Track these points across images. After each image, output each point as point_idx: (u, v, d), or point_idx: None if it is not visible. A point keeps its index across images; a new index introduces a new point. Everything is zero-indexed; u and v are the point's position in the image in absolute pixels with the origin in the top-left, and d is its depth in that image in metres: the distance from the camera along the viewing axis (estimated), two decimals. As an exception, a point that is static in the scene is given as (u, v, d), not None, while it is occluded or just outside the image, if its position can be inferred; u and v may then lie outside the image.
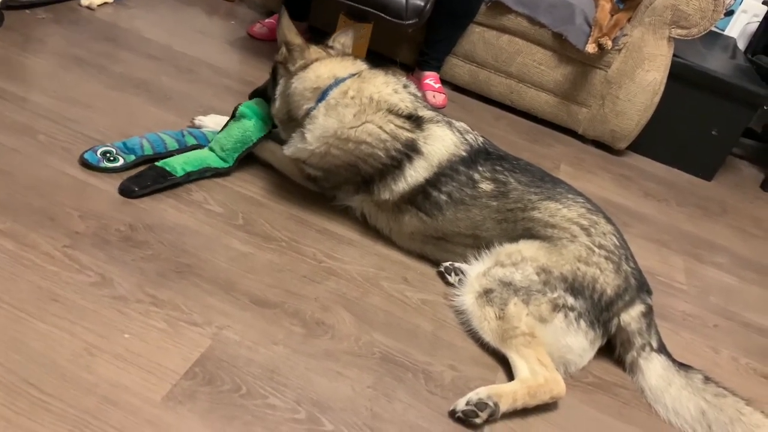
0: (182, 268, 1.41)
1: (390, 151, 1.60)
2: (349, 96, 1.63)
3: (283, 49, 1.75)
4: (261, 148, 1.79)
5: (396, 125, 1.60)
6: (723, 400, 1.39)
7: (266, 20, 2.75)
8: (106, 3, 2.54)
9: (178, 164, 1.65)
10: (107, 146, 1.65)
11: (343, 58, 1.76)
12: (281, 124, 1.77)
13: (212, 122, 1.90)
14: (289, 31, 1.73)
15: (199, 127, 1.90)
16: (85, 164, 1.61)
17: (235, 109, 1.77)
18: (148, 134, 1.73)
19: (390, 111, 1.61)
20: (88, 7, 2.45)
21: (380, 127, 1.60)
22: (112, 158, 1.64)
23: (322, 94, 1.65)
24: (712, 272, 2.15)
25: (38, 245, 1.34)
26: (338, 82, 1.66)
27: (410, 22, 2.20)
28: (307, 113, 1.66)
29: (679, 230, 2.35)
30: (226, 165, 1.73)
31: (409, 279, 1.61)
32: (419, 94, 1.72)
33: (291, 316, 1.37)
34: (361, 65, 1.74)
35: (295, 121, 1.70)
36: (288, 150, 1.70)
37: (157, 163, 1.64)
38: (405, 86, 1.70)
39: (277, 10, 2.69)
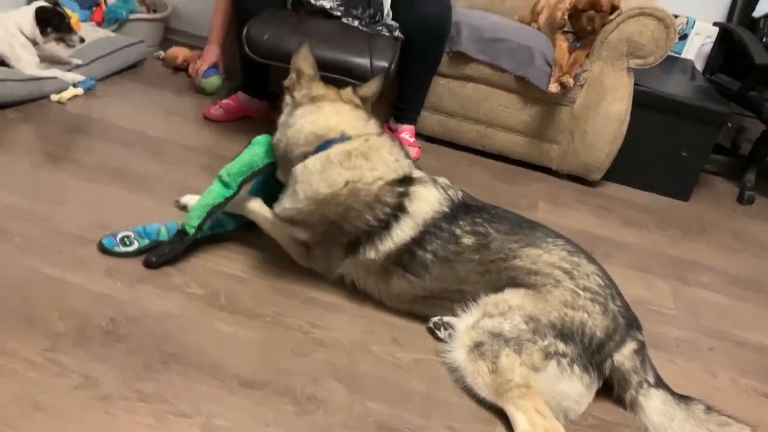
0: (167, 357, 1.39)
1: (379, 214, 1.60)
2: (352, 159, 1.60)
3: (293, 75, 1.72)
4: (254, 212, 1.75)
5: (390, 193, 1.60)
6: (727, 429, 1.38)
7: (223, 101, 2.73)
8: (76, 95, 2.57)
9: (187, 223, 1.69)
10: (127, 231, 1.70)
11: (356, 112, 1.70)
12: (278, 157, 1.73)
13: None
14: (305, 60, 1.70)
15: (185, 207, 1.91)
16: (102, 249, 1.67)
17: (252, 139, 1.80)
18: (168, 223, 1.76)
19: (387, 182, 1.61)
20: (59, 102, 2.48)
21: (375, 196, 1.59)
22: (128, 242, 1.68)
23: (324, 144, 1.63)
24: (699, 293, 2.15)
25: (18, 352, 1.32)
26: (344, 138, 1.63)
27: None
28: (304, 157, 1.64)
29: (663, 254, 2.37)
30: (230, 192, 1.70)
31: (398, 339, 1.60)
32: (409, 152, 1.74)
33: (281, 394, 1.35)
34: (372, 128, 1.69)
35: (289, 161, 1.68)
36: (278, 208, 1.69)
37: (179, 228, 1.71)
38: (406, 154, 1.71)
39: (240, 88, 2.77)
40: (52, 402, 1.22)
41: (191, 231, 1.68)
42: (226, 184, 1.71)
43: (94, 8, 3.25)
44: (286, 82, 1.73)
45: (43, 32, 2.48)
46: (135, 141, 2.33)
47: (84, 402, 1.24)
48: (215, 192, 1.70)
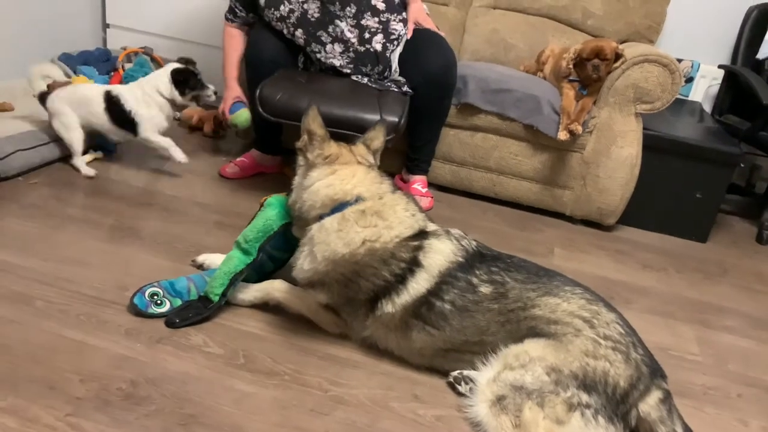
0: (187, 419, 1.38)
1: (395, 269, 1.61)
2: (367, 217, 1.63)
3: (305, 137, 1.72)
4: (279, 291, 1.77)
5: (405, 248, 1.62)
6: (762, 481, 1.33)
7: (238, 159, 2.79)
8: (96, 159, 2.65)
9: (211, 290, 1.73)
10: (154, 287, 1.73)
11: (371, 174, 1.72)
12: (293, 216, 1.76)
13: (216, 257, 1.95)
14: (314, 122, 1.70)
15: (201, 266, 1.94)
16: (135, 310, 1.69)
17: (263, 201, 1.83)
18: (193, 276, 1.82)
19: (403, 238, 1.63)
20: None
21: (391, 253, 1.61)
22: (159, 302, 1.72)
23: (340, 206, 1.66)
24: (724, 338, 2.11)
25: (40, 418, 1.32)
26: (359, 200, 1.66)
27: (388, 138, 2.28)
28: (319, 218, 1.67)
29: (683, 298, 2.33)
30: (250, 259, 1.74)
31: (419, 395, 1.58)
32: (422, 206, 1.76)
33: (303, 455, 1.33)
34: (386, 187, 1.71)
35: (304, 221, 1.71)
36: (296, 270, 1.70)
37: (201, 293, 1.76)
38: (420, 208, 1.73)
39: (254, 145, 2.83)
40: (73, 469, 1.22)
41: (215, 299, 1.72)
42: (245, 251, 1.75)
43: (113, 73, 3.37)
44: (299, 144, 1.75)
45: (182, 93, 2.57)
46: (152, 201, 2.38)
47: (104, 468, 1.23)
48: (236, 259, 1.74)
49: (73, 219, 2.16)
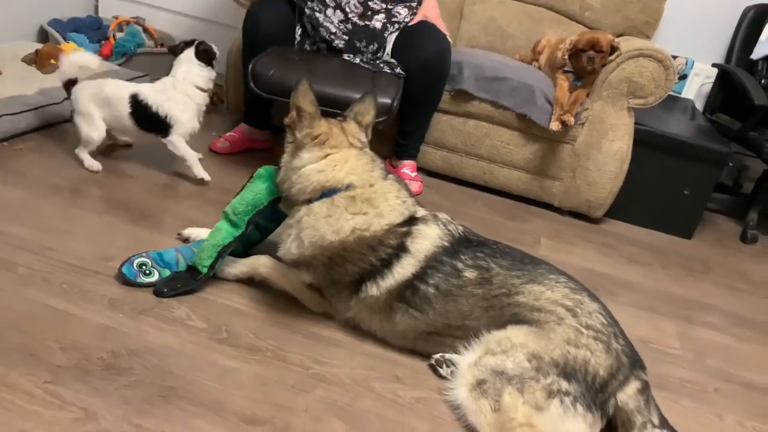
0: (167, 391, 1.37)
1: (381, 255, 1.61)
2: (357, 204, 1.61)
3: (293, 113, 1.67)
4: (264, 267, 1.76)
5: (393, 235, 1.61)
6: (734, 473, 1.35)
7: (227, 134, 2.77)
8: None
9: (199, 262, 1.71)
10: (142, 257, 1.72)
11: (363, 158, 1.68)
12: (282, 195, 1.73)
13: (202, 231, 1.93)
14: (304, 98, 1.64)
15: (187, 239, 1.93)
16: (123, 279, 1.68)
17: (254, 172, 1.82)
18: (181, 247, 1.81)
19: (392, 224, 1.62)
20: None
21: (380, 240, 1.60)
22: (147, 272, 1.70)
23: (329, 192, 1.63)
24: (705, 333, 2.13)
25: (19, 385, 1.31)
26: (349, 187, 1.64)
27: (380, 119, 2.27)
28: (308, 201, 1.65)
29: (667, 294, 2.36)
30: (238, 232, 1.73)
31: (400, 376, 1.59)
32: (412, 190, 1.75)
33: None
34: (377, 173, 1.68)
35: (292, 201, 1.69)
36: (282, 251, 1.70)
37: (189, 263, 1.74)
38: (410, 193, 1.72)
39: (243, 119, 2.81)
40: (50, 436, 1.21)
41: (204, 270, 1.71)
42: (233, 224, 1.73)
43: (103, 42, 3.32)
44: (287, 120, 1.69)
45: (212, 68, 2.38)
46: (140, 174, 2.35)
47: (82, 437, 1.22)
48: (224, 231, 1.73)
49: (59, 188, 2.14)
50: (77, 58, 2.31)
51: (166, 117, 2.29)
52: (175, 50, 2.40)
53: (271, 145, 2.83)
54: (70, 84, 2.30)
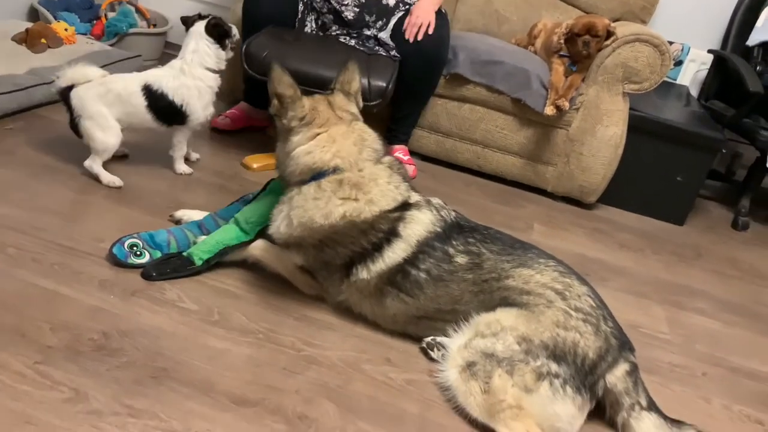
0: (159, 373, 1.38)
1: (372, 239, 1.61)
2: (345, 188, 1.59)
3: (275, 102, 1.65)
4: (258, 249, 1.75)
5: (385, 220, 1.60)
6: (719, 455, 1.37)
7: (228, 111, 2.78)
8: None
9: (197, 253, 1.70)
10: (133, 238, 1.71)
11: (352, 137, 1.64)
12: (280, 176, 1.74)
13: (194, 213, 1.93)
14: (279, 83, 1.61)
15: (179, 221, 1.92)
16: (114, 260, 1.67)
17: (269, 182, 1.82)
18: (173, 229, 1.80)
19: (384, 210, 1.60)
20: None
21: (371, 225, 1.59)
22: (138, 253, 1.70)
23: (318, 175, 1.62)
24: (694, 319, 2.15)
25: (9, 365, 1.31)
26: (337, 170, 1.62)
27: (374, 103, 2.27)
28: (300, 183, 1.65)
29: (658, 279, 2.37)
30: (247, 238, 1.74)
31: (391, 359, 1.59)
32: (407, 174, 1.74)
33: (272, 413, 1.34)
34: (366, 155, 1.64)
35: (287, 182, 1.69)
36: (272, 228, 1.69)
37: (183, 253, 1.72)
38: (404, 177, 1.70)
39: (242, 98, 2.80)
40: (41, 416, 1.21)
41: (199, 262, 1.70)
42: (244, 231, 1.75)
43: (95, 21, 3.29)
44: (271, 110, 1.67)
45: (224, 48, 2.21)
46: (132, 155, 2.33)
47: (73, 416, 1.23)
48: (233, 233, 1.74)
49: (50, 168, 2.12)
50: (80, 70, 2.07)
51: (181, 106, 2.15)
52: (187, 22, 2.23)
53: (271, 124, 2.81)
54: (66, 92, 2.06)
